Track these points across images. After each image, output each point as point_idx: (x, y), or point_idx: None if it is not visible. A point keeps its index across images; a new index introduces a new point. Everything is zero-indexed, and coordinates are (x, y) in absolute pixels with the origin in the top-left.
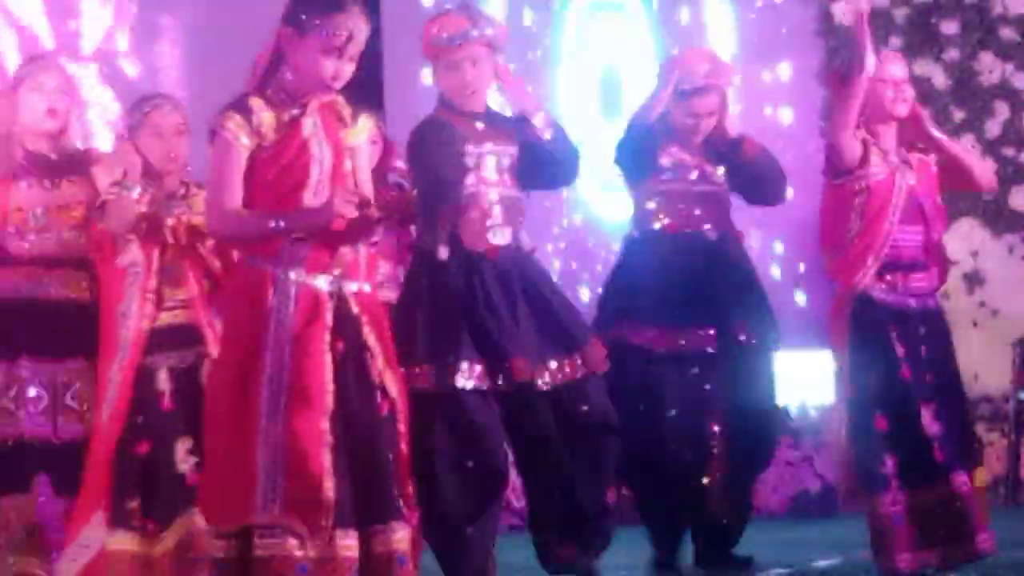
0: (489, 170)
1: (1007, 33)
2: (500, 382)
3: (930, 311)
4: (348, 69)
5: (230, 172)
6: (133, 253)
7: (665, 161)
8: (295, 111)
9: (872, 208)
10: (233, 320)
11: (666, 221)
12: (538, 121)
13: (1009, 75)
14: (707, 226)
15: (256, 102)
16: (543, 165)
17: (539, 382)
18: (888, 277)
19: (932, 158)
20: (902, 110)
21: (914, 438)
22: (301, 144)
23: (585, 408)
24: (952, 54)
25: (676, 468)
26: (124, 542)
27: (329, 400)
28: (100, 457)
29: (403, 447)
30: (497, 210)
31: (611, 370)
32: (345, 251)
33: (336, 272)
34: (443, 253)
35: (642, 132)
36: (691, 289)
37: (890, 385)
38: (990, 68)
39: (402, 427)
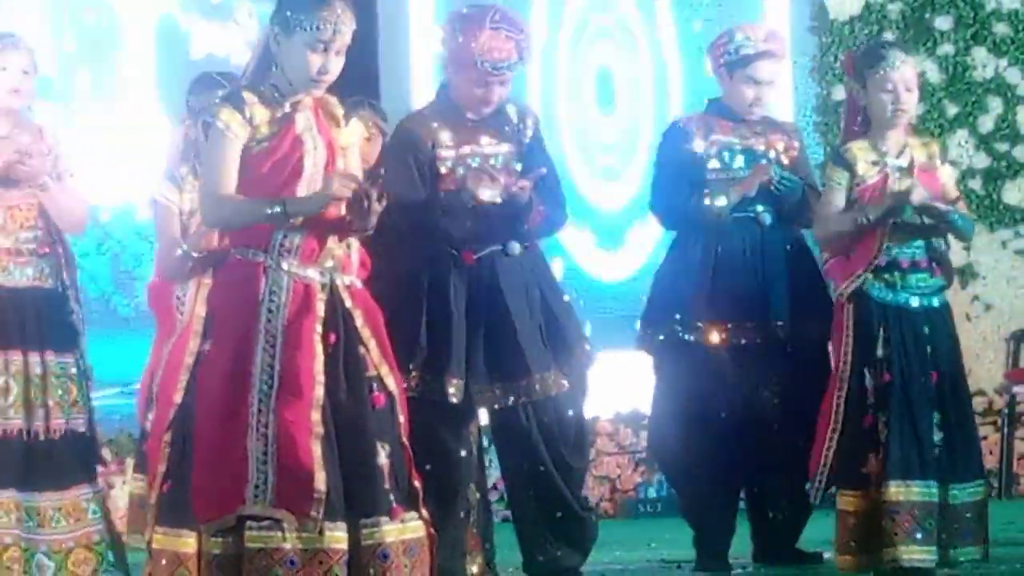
0: (470, 172)
1: (1001, 28)
2: (438, 397)
3: (934, 310)
4: (336, 63)
5: (223, 161)
6: (196, 238)
7: (703, 147)
8: (288, 108)
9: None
10: (224, 311)
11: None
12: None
13: (1002, 70)
14: (760, 208)
15: (249, 96)
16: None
17: (477, 403)
18: (887, 276)
19: (939, 164)
20: (901, 120)
21: (900, 439)
22: (295, 139)
23: (546, 421)
24: (946, 49)
25: (729, 465)
26: (176, 542)
27: (319, 392)
28: (152, 443)
29: (404, 440)
30: (486, 213)
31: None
32: (335, 244)
33: (328, 264)
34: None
35: (673, 131)
36: (741, 280)
37: (875, 386)
38: (983, 63)
39: (402, 419)
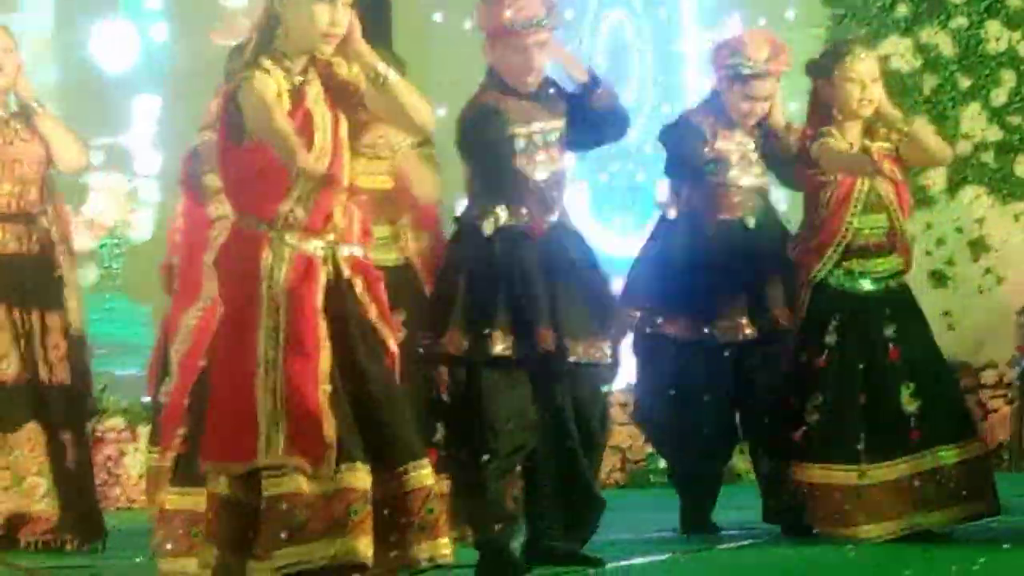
0: (537, 149)
1: (1014, 1)
2: (528, 352)
3: (892, 291)
4: (344, 15)
5: (282, 114)
6: (224, 205)
7: (709, 154)
8: (298, 78)
9: (835, 201)
10: (229, 279)
11: (703, 209)
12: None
13: (1016, 43)
14: (746, 214)
15: (266, 62)
16: (596, 126)
17: (564, 355)
18: (846, 263)
19: (893, 147)
20: (867, 111)
21: (863, 414)
22: (306, 113)
23: (580, 396)
24: (959, 21)
25: (708, 449)
26: (193, 501)
27: (325, 354)
28: (172, 410)
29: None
30: (545, 189)
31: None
32: (339, 218)
33: (330, 237)
34: (488, 229)
35: (692, 128)
36: (722, 277)
37: (813, 369)
38: (997, 36)
39: (397, 380)
